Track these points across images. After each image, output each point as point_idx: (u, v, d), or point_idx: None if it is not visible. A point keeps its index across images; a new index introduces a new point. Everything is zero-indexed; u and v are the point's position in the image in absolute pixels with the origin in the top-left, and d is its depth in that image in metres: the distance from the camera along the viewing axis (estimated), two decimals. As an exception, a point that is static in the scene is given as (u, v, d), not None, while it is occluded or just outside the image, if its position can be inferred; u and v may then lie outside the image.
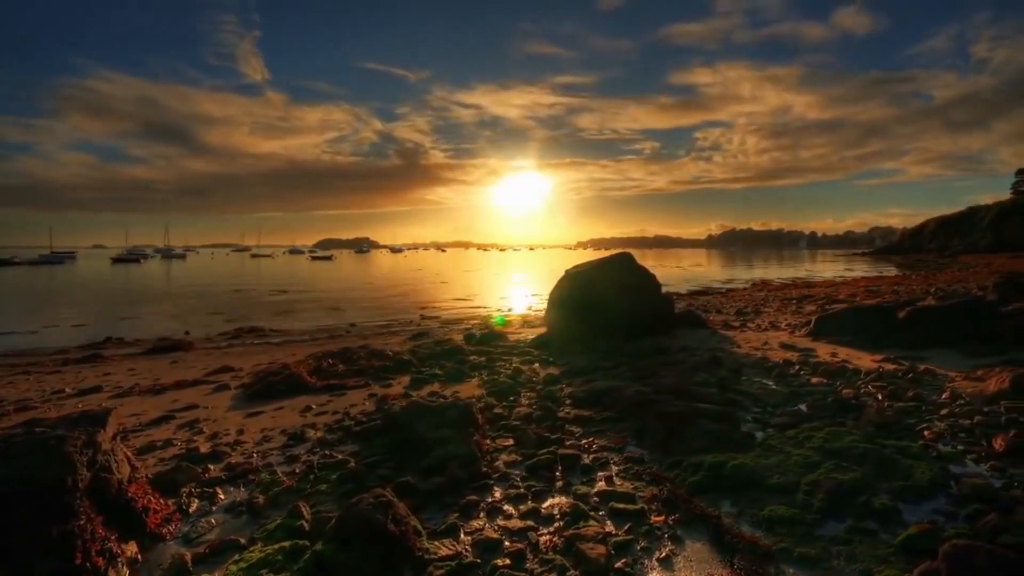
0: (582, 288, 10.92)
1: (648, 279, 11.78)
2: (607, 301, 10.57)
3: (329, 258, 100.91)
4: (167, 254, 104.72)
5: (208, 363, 10.35)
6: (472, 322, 17.36)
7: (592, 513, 3.29)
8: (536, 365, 8.47)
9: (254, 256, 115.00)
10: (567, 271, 11.66)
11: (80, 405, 6.96)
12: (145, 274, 52.82)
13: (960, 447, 4.15)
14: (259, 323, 18.64)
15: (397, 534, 2.80)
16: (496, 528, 3.15)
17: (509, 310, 21.63)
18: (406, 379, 7.64)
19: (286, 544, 2.91)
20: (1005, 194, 73.16)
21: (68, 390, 8.11)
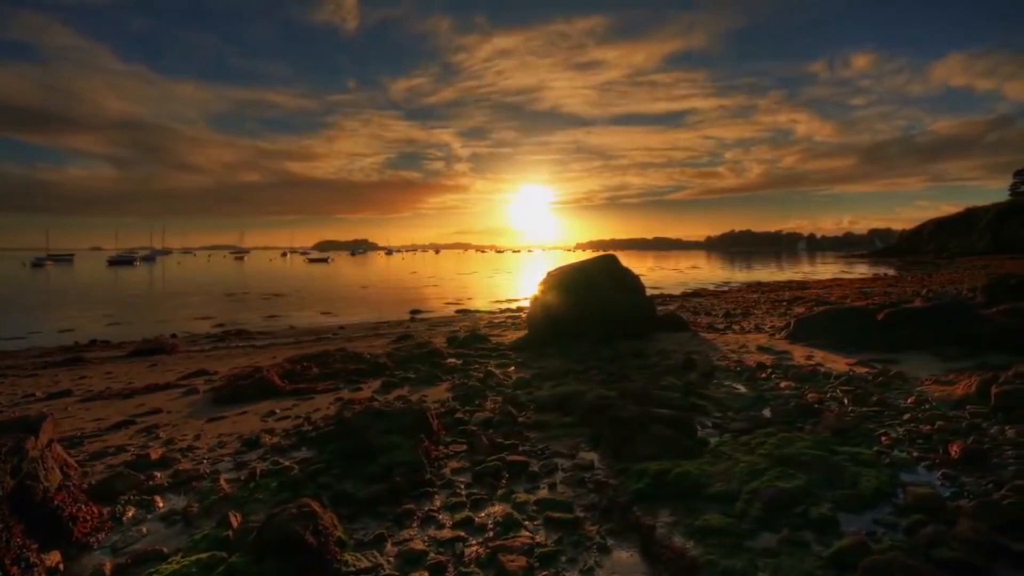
0: (562, 290, 10.85)
1: (631, 281, 11.70)
2: (587, 303, 10.51)
3: (326, 260, 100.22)
4: (149, 257, 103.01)
5: (186, 366, 10.28)
6: (461, 324, 17.29)
7: (526, 523, 3.23)
8: (511, 368, 8.42)
9: (237, 258, 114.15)
10: (549, 272, 11.60)
11: (44, 410, 6.89)
12: (141, 276, 52.76)
13: (915, 454, 4.08)
14: (249, 325, 18.60)
15: (315, 546, 2.73)
16: (425, 539, 3.08)
17: (501, 311, 21.55)
18: (377, 383, 7.58)
19: (204, 556, 2.84)
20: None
21: (39, 394, 8.05)
